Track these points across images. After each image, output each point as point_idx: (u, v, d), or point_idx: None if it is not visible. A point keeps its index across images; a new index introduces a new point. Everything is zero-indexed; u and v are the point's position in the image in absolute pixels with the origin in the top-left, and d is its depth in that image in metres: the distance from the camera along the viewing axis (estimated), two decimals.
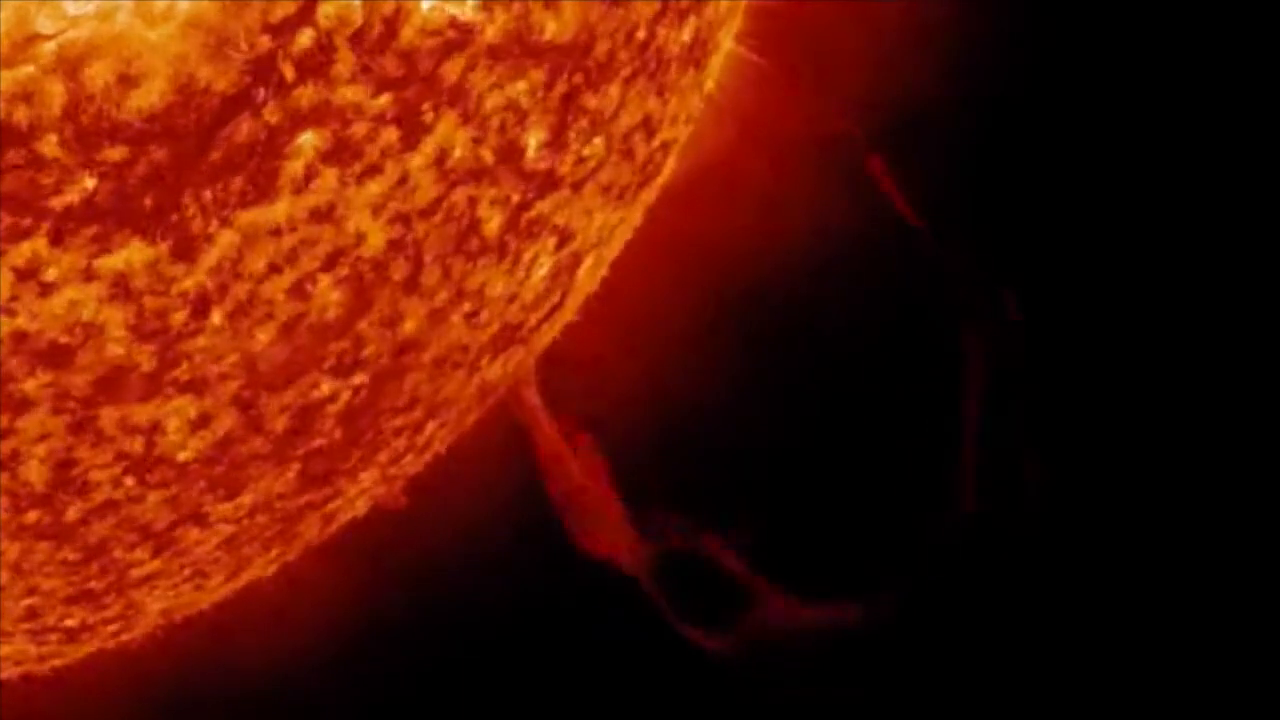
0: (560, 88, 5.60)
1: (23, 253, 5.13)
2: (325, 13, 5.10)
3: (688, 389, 7.81)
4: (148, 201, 5.17)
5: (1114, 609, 8.09)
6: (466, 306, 5.94)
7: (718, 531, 8.10)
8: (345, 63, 5.18)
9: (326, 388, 5.84)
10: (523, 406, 7.68)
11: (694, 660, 8.19)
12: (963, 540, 8.11)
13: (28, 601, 6.17)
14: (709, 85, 6.54)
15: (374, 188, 5.43)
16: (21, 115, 4.92)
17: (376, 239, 5.52)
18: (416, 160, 5.44)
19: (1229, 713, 8.01)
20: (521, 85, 5.51)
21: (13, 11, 4.83)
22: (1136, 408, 8.00)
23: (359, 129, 5.30)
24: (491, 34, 5.36)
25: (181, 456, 5.76)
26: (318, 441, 6.02)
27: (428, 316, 5.84)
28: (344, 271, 5.53)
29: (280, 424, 5.85)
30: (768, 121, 7.52)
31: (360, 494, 6.62)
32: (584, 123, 5.77)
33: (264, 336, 5.56)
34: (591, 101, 5.74)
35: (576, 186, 5.93)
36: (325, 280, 5.52)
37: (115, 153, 5.06)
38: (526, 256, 5.97)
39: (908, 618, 8.14)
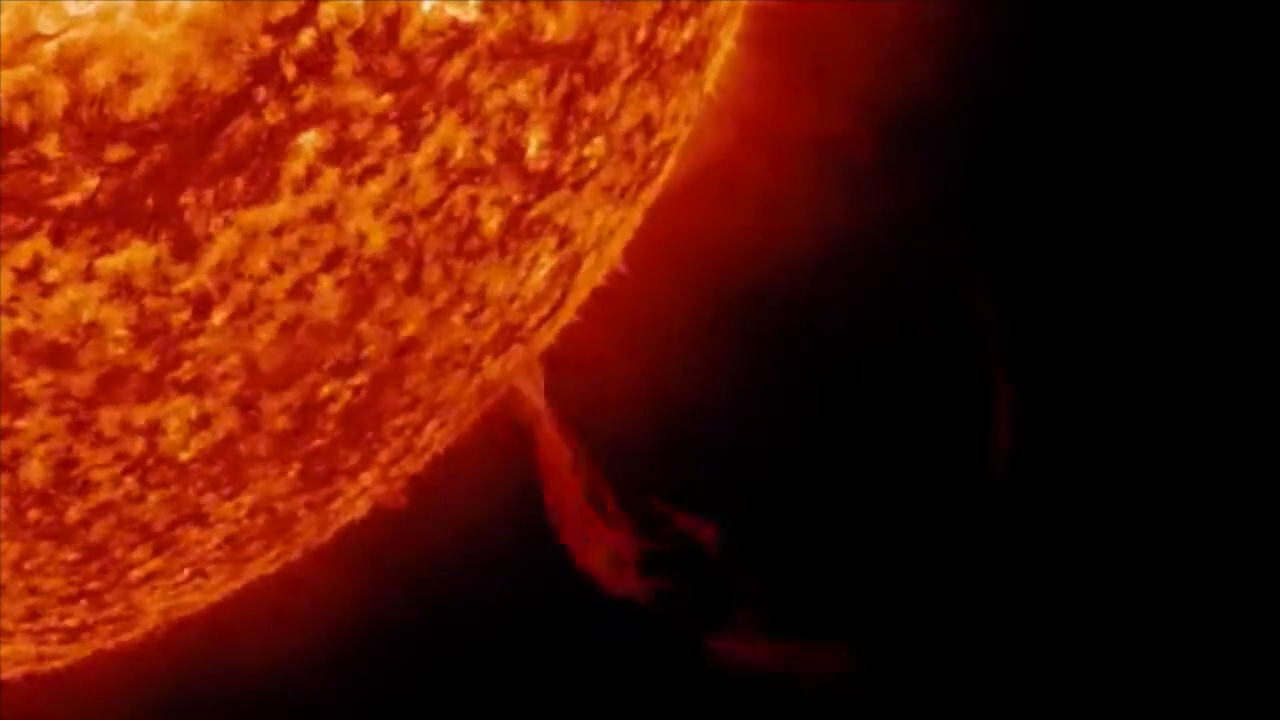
0: (561, 88, 5.60)
1: (24, 253, 5.13)
2: (326, 13, 5.10)
3: (688, 389, 7.81)
4: (149, 201, 5.17)
5: (1113, 609, 8.09)
6: (467, 306, 5.94)
7: (716, 531, 8.10)
8: (346, 63, 5.18)
9: (327, 388, 5.84)
10: (523, 406, 7.68)
11: (694, 661, 8.19)
12: (962, 540, 8.11)
13: (28, 601, 6.17)
14: (709, 85, 6.54)
15: (375, 188, 5.43)
16: (23, 115, 4.92)
17: (377, 239, 5.52)
18: (417, 160, 5.45)
19: (1229, 713, 8.01)
20: (522, 85, 5.51)
21: (14, 11, 4.83)
22: (1137, 407, 8.00)
23: (360, 129, 5.30)
24: (492, 34, 5.36)
25: (182, 456, 5.76)
26: (318, 441, 6.02)
27: (428, 316, 5.84)
28: (345, 272, 5.53)
29: (280, 424, 5.85)
30: (768, 121, 7.52)
31: (360, 494, 6.62)
32: (584, 123, 5.77)
33: (265, 337, 5.56)
34: (592, 102, 5.74)
35: (577, 186, 5.93)
36: (326, 280, 5.53)
37: (116, 153, 5.06)
38: (527, 256, 5.97)
39: (907, 618, 8.14)
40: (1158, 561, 8.04)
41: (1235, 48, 7.71)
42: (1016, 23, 7.62)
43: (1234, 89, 7.76)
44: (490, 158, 5.58)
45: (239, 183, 5.24)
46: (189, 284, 5.33)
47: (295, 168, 5.28)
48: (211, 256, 5.32)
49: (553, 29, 5.47)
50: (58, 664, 6.80)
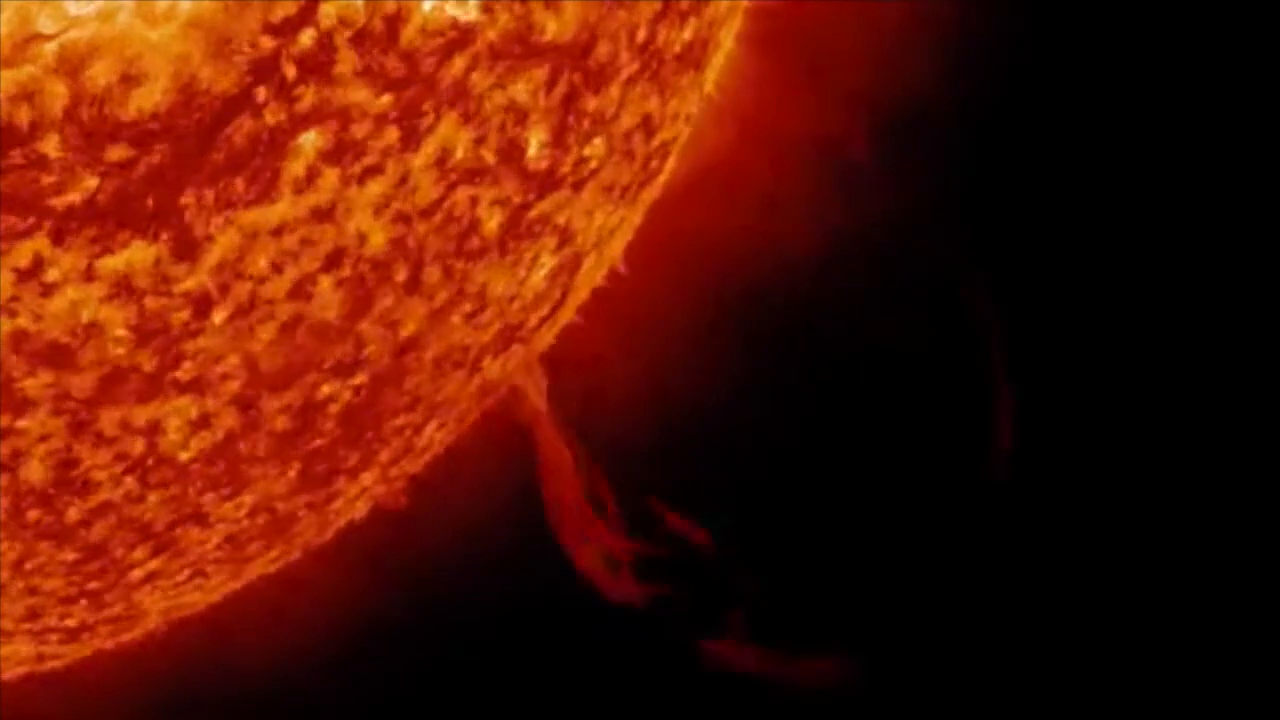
0: (561, 88, 5.60)
1: (24, 253, 5.13)
2: (326, 13, 5.10)
3: (688, 389, 7.81)
4: (149, 201, 5.17)
5: (1114, 610, 8.09)
6: (467, 306, 5.94)
7: (715, 532, 8.10)
8: (347, 63, 5.18)
9: (327, 388, 5.84)
10: (523, 406, 7.68)
11: (693, 661, 8.19)
12: (963, 541, 8.11)
13: (28, 601, 6.17)
14: (709, 85, 6.54)
15: (375, 188, 5.43)
16: (23, 115, 4.92)
17: (377, 239, 5.52)
18: (417, 160, 5.45)
19: (1229, 713, 8.02)
20: (522, 85, 5.51)
21: (14, 11, 4.83)
22: (1137, 407, 8.00)
23: (360, 129, 5.30)
24: (492, 34, 5.36)
25: (182, 456, 5.76)
26: (318, 441, 6.02)
27: (428, 316, 5.84)
28: (345, 272, 5.53)
29: (280, 424, 5.85)
30: (768, 121, 7.52)
31: (360, 494, 6.62)
32: (584, 123, 5.77)
33: (265, 336, 5.56)
34: (592, 102, 5.74)
35: (577, 186, 5.93)
36: (326, 280, 5.53)
37: (117, 153, 5.06)
38: (527, 256, 5.97)
39: (908, 619, 8.14)
40: (1159, 562, 8.04)
41: (1235, 47, 7.71)
42: (1016, 23, 7.62)
43: (1234, 88, 7.76)
44: (490, 158, 5.58)
45: (239, 183, 5.24)
46: (189, 284, 5.34)
47: (295, 168, 5.28)
48: (211, 256, 5.32)
49: (553, 29, 5.47)
50: (58, 664, 6.80)
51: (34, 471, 5.60)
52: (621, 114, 5.90)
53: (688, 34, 6.02)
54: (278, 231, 5.37)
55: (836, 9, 7.52)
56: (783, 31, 7.35)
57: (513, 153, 5.62)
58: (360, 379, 5.87)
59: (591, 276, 6.61)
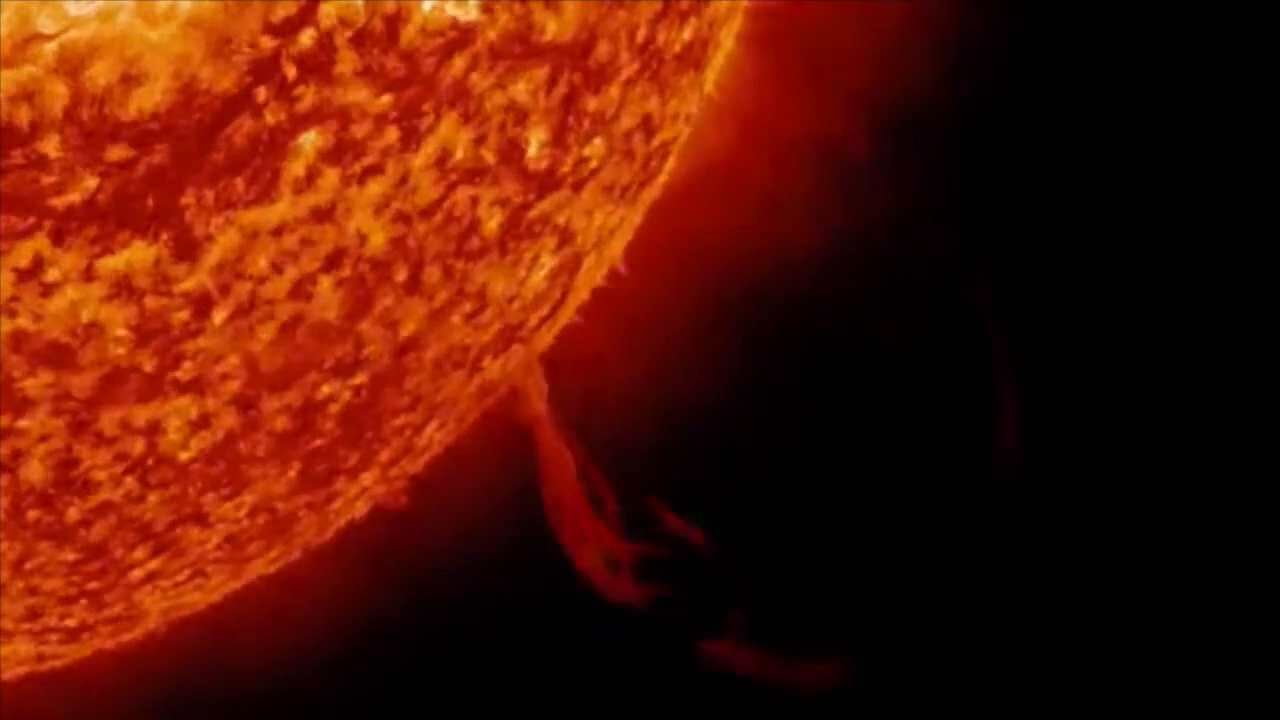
0: (561, 88, 5.60)
1: (24, 253, 5.13)
2: (326, 13, 5.10)
3: (688, 389, 7.81)
4: (149, 202, 5.17)
5: (1114, 612, 8.09)
6: (467, 306, 5.94)
7: (715, 532, 8.10)
8: (347, 63, 5.18)
9: (327, 388, 5.84)
10: (523, 406, 7.68)
11: (693, 662, 8.19)
12: (964, 542, 8.11)
13: (28, 601, 6.17)
14: (709, 85, 6.54)
15: (375, 188, 5.43)
16: (23, 115, 4.92)
17: (377, 239, 5.52)
18: (418, 160, 5.45)
19: (1229, 713, 8.02)
20: (522, 85, 5.51)
21: (14, 11, 4.83)
22: (1138, 407, 8.00)
23: (360, 129, 5.30)
24: (492, 34, 5.36)
25: (182, 456, 5.76)
26: (318, 441, 6.02)
27: (428, 316, 5.84)
28: (345, 272, 5.53)
29: (280, 424, 5.85)
30: (768, 121, 7.52)
31: (360, 494, 6.62)
32: (584, 123, 5.77)
33: (265, 336, 5.56)
34: (592, 102, 5.74)
35: (577, 186, 5.93)
36: (326, 280, 5.53)
37: (117, 153, 5.06)
38: (527, 256, 5.97)
39: (909, 619, 8.14)
40: (1159, 563, 8.04)
41: (1235, 47, 7.71)
42: (1016, 23, 7.62)
43: (1234, 88, 7.75)
44: (490, 158, 5.58)
45: (239, 183, 5.24)
46: (189, 284, 5.33)
47: (295, 168, 5.28)
48: (212, 256, 5.32)
49: (553, 29, 5.47)
50: (58, 664, 6.80)
51: (34, 471, 5.60)
52: (621, 114, 5.90)
53: (688, 34, 6.02)
54: (278, 231, 5.37)
55: (836, 9, 7.52)
56: (783, 31, 7.35)
57: (513, 153, 5.62)
58: (360, 379, 5.87)
59: (591, 276, 6.61)
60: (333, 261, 5.50)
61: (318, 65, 5.15)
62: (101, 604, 6.34)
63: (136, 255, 5.23)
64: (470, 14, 5.29)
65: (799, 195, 7.70)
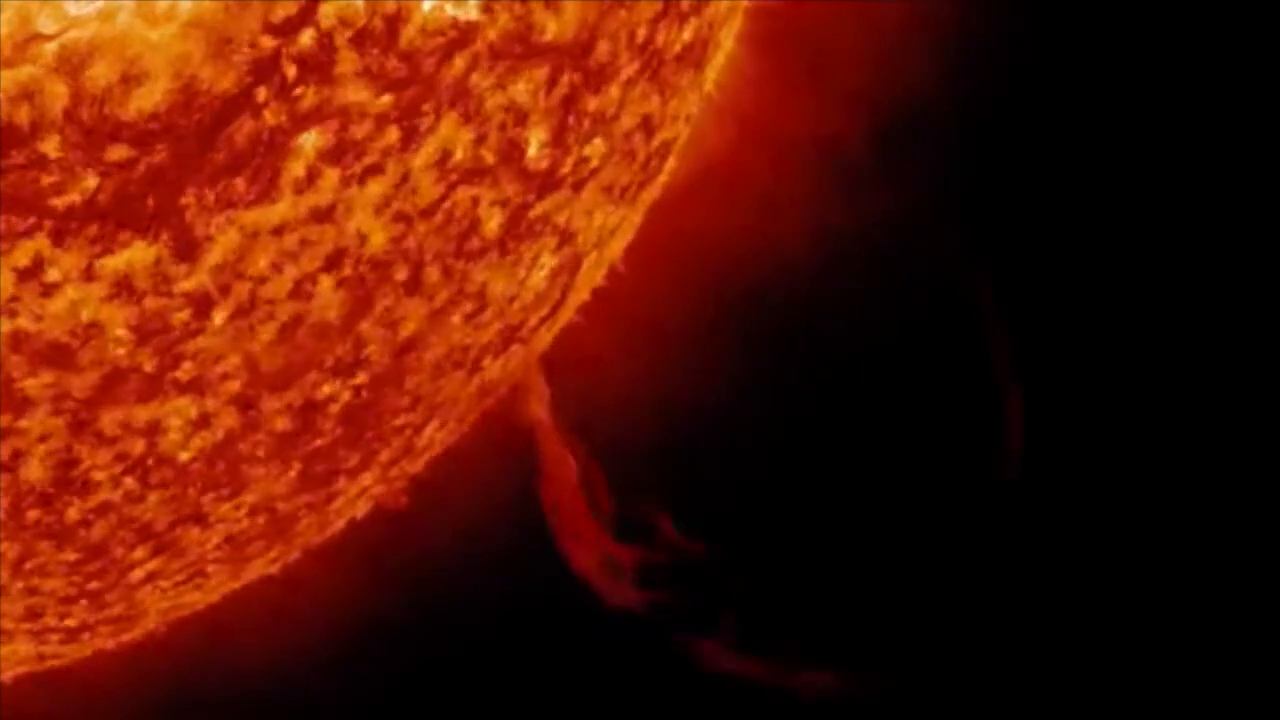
0: (561, 88, 5.60)
1: (24, 253, 5.13)
2: (326, 13, 5.10)
3: (688, 389, 7.81)
4: (150, 202, 5.17)
5: (1115, 613, 8.09)
6: (467, 306, 5.94)
7: (715, 533, 8.10)
8: (347, 63, 5.18)
9: (327, 388, 5.84)
10: (523, 406, 7.68)
11: (692, 664, 8.19)
12: (965, 542, 8.11)
13: (28, 601, 6.17)
14: (709, 85, 6.54)
15: (375, 188, 5.43)
16: (23, 115, 4.92)
17: (377, 239, 5.52)
18: (418, 160, 5.45)
19: (1229, 713, 8.01)
20: (522, 85, 5.51)
21: (14, 12, 4.83)
22: (1139, 407, 8.00)
23: (360, 129, 5.30)
24: (492, 34, 5.36)
25: (182, 456, 5.76)
26: (318, 441, 6.02)
27: (428, 316, 5.84)
28: (345, 271, 5.53)
29: (280, 424, 5.85)
30: (768, 121, 7.52)
31: (360, 494, 6.62)
32: (584, 123, 5.77)
33: (265, 337, 5.56)
34: (592, 102, 5.74)
35: (577, 186, 5.93)
36: (326, 280, 5.53)
37: (117, 153, 5.06)
38: (527, 256, 5.97)
39: (910, 621, 8.14)
40: (1160, 563, 8.04)
41: (1235, 47, 7.71)
42: (1016, 23, 7.62)
43: (1234, 88, 7.76)
44: (490, 158, 5.58)
45: (239, 183, 5.24)
46: (189, 284, 5.34)
47: (295, 168, 5.28)
48: (212, 256, 5.32)
49: (553, 29, 5.47)
50: (58, 664, 6.80)
51: (34, 471, 5.60)
52: (621, 114, 5.90)
53: (688, 34, 6.02)
54: (278, 231, 5.37)
55: (836, 9, 7.52)
56: (783, 31, 7.35)
57: (513, 153, 5.62)
58: (360, 379, 5.87)
59: (591, 276, 6.61)
60: (333, 261, 5.50)
61: (318, 65, 5.15)
62: (101, 604, 6.34)
63: (136, 255, 5.23)
64: (470, 14, 5.29)
65: (799, 195, 7.70)
